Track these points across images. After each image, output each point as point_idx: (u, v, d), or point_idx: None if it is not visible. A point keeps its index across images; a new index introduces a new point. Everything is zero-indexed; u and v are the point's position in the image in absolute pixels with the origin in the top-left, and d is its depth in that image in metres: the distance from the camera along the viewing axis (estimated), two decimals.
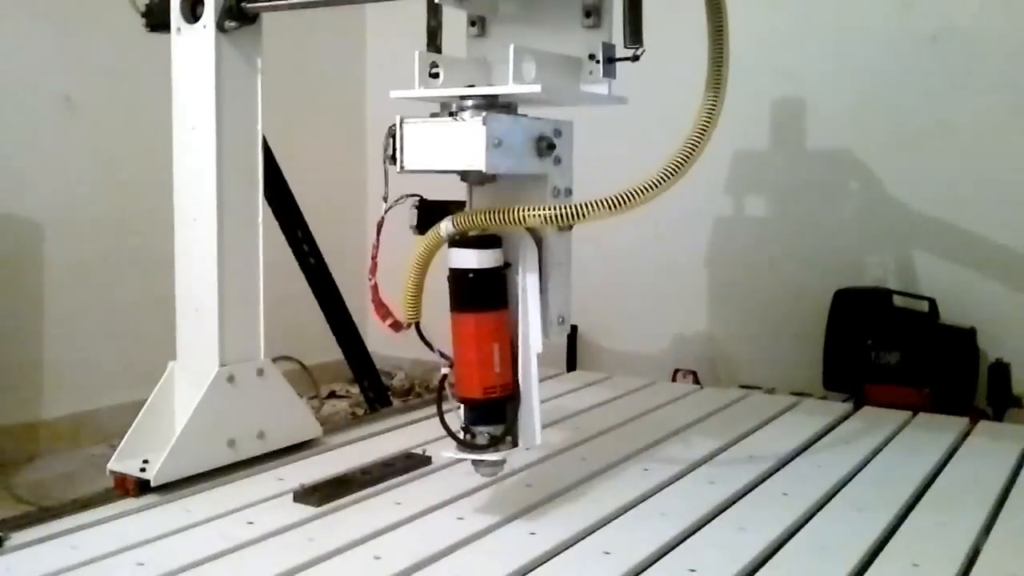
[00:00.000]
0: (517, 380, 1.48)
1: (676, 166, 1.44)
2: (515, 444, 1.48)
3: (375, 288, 1.50)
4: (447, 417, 1.49)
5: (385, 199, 1.49)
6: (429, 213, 1.50)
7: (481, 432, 1.46)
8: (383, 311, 1.50)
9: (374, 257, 1.51)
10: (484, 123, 1.35)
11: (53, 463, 2.63)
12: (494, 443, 1.46)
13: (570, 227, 1.52)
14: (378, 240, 1.51)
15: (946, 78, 2.68)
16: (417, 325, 1.50)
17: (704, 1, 1.53)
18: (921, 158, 2.72)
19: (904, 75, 2.73)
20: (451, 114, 1.41)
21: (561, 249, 1.55)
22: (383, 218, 1.49)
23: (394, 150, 1.43)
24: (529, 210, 1.39)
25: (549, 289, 1.52)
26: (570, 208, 1.39)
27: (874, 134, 2.79)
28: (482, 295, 1.45)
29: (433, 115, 1.44)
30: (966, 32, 2.65)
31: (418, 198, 1.51)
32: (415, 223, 1.51)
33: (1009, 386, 2.51)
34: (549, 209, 1.39)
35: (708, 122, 1.49)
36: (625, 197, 1.40)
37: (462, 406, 1.48)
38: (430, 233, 1.46)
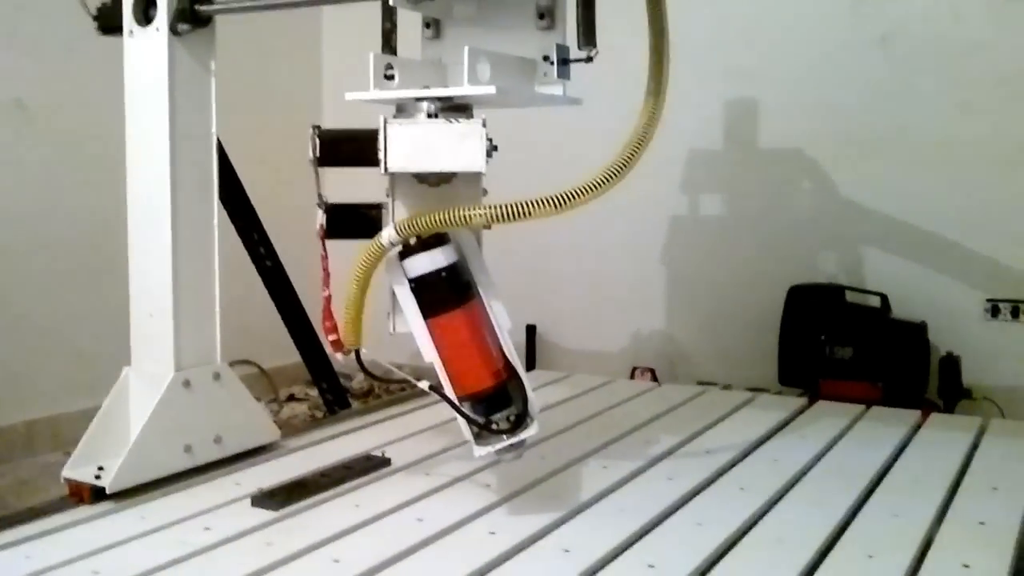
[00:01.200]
0: (507, 360, 1.49)
1: (619, 167, 1.45)
2: (532, 420, 1.49)
3: (328, 299, 1.49)
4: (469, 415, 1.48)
5: (320, 205, 1.49)
6: (339, 217, 1.50)
7: (500, 418, 1.47)
8: (330, 325, 1.49)
9: (325, 268, 1.50)
10: (484, 125, 1.38)
11: (6, 471, 2.59)
12: (518, 424, 1.47)
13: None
14: (324, 249, 1.50)
15: (896, 78, 2.73)
16: (357, 353, 1.50)
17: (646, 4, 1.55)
18: (872, 157, 2.77)
19: (855, 75, 2.77)
20: (431, 115, 1.41)
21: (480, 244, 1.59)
22: (322, 225, 1.48)
23: (372, 151, 1.42)
24: (474, 210, 1.39)
25: None
26: (512, 207, 1.39)
27: (826, 133, 2.83)
28: (459, 288, 1.47)
29: (395, 116, 1.45)
30: (915, 33, 2.70)
31: (323, 202, 1.50)
32: (323, 225, 1.50)
33: (959, 379, 2.55)
34: (492, 208, 1.39)
35: (649, 124, 1.52)
36: (566, 197, 1.40)
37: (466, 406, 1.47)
38: (371, 245, 1.44)
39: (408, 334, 1.49)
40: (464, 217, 1.39)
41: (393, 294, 1.50)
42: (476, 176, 1.49)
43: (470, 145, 1.38)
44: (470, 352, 1.46)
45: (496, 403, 1.48)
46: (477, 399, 1.47)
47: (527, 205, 1.39)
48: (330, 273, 1.51)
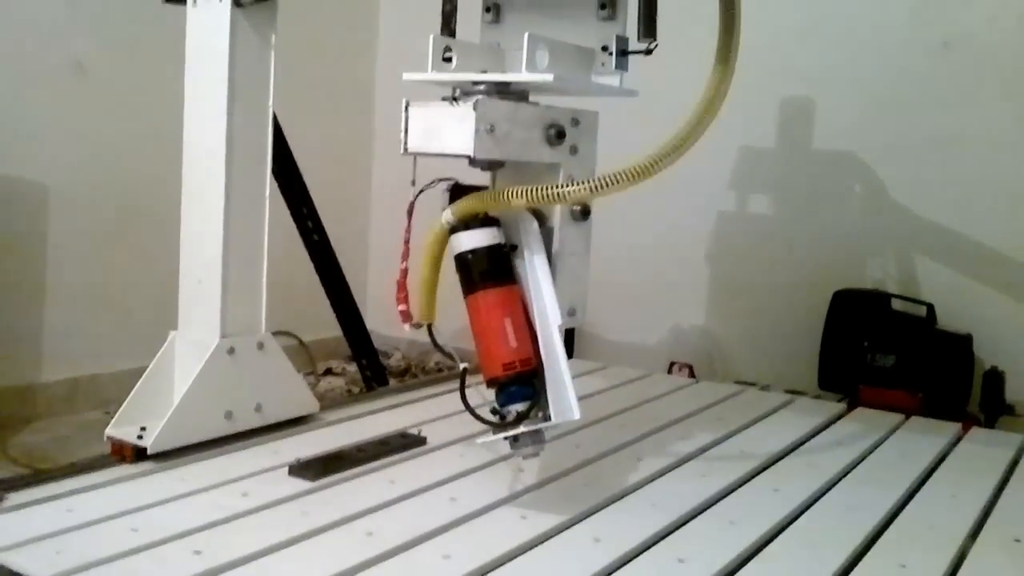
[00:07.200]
0: (539, 355, 1.44)
1: (667, 152, 1.43)
2: (547, 418, 1.43)
3: (404, 272, 1.52)
4: (471, 407, 1.46)
5: (413, 183, 1.50)
6: (460, 197, 1.50)
7: (510, 411, 1.43)
8: (402, 295, 1.51)
9: (407, 241, 1.52)
10: (475, 108, 1.34)
11: (47, 427, 2.64)
12: (522, 418, 1.42)
13: (584, 216, 1.53)
14: (410, 224, 1.51)
15: (955, 85, 2.68)
16: (429, 327, 1.51)
17: None
18: (926, 164, 2.73)
19: (913, 80, 2.74)
20: (453, 99, 1.41)
21: (575, 239, 1.55)
22: (412, 203, 1.50)
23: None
24: (511, 192, 1.39)
25: (558, 278, 1.50)
26: (549, 190, 1.37)
27: (881, 137, 2.80)
28: (483, 272, 1.44)
29: (444, 99, 1.45)
30: (978, 40, 2.65)
31: (452, 182, 1.51)
32: (446, 206, 1.49)
33: (1002, 394, 2.52)
34: (530, 191, 1.37)
35: (712, 101, 1.52)
36: (606, 181, 1.37)
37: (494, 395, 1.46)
38: (434, 224, 1.46)
39: None
40: (503, 198, 1.40)
41: None
42: (556, 165, 1.49)
43: (464, 128, 1.35)
44: (483, 338, 1.44)
45: (513, 396, 1.43)
46: (492, 385, 1.44)
47: (564, 188, 1.36)
48: (410, 249, 1.52)
